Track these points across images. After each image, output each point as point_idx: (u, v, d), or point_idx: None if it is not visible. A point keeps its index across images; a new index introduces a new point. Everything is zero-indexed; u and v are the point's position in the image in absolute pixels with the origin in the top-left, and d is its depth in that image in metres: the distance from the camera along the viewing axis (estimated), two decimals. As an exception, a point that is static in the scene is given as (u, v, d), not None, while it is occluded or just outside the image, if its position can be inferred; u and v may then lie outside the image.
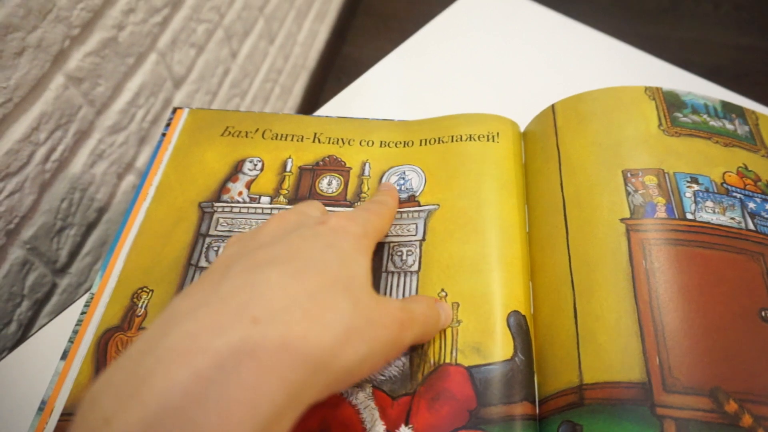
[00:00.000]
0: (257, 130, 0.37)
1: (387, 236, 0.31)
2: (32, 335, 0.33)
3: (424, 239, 0.30)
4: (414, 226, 0.31)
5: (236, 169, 0.34)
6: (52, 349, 0.30)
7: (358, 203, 0.33)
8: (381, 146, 0.35)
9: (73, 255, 0.53)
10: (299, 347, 0.18)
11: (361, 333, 0.20)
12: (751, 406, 0.21)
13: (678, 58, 0.47)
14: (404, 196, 0.33)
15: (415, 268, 0.29)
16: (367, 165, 0.35)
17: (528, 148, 0.34)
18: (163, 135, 0.37)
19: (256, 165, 0.35)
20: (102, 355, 0.28)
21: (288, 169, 0.35)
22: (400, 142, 0.36)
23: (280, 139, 0.36)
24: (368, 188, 0.33)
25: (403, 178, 0.34)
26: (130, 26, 0.58)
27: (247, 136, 0.36)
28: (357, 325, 0.20)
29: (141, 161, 0.63)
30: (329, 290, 0.20)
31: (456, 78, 0.48)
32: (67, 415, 0.26)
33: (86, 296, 0.30)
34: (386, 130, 0.36)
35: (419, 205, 0.32)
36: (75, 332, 0.29)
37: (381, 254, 0.30)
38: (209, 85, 0.79)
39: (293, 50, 1.14)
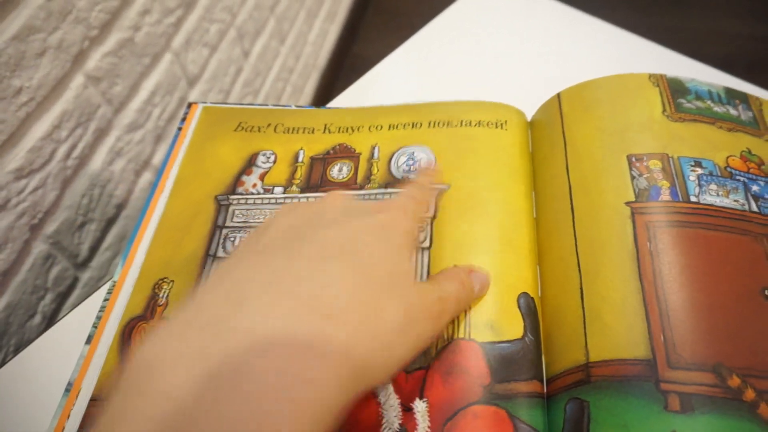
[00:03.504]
0: (269, 124, 0.38)
1: None
2: (57, 322, 0.34)
3: (435, 216, 0.31)
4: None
5: (250, 163, 0.35)
6: (75, 336, 0.31)
7: (369, 185, 0.34)
8: (389, 129, 0.36)
9: (93, 250, 0.55)
10: (356, 354, 0.18)
11: (406, 335, 0.20)
12: (754, 380, 0.22)
13: (690, 49, 0.47)
14: (413, 175, 0.33)
15: (426, 244, 0.30)
16: (376, 148, 0.35)
17: (535, 136, 0.35)
18: (179, 129, 0.38)
19: (269, 158, 0.36)
20: (127, 343, 0.29)
21: (300, 159, 0.35)
22: (408, 124, 0.36)
23: (292, 133, 0.37)
24: (377, 170, 0.34)
25: (412, 158, 0.34)
26: (145, 27, 0.59)
27: (259, 131, 0.37)
28: (403, 328, 0.20)
29: (157, 159, 0.64)
30: (383, 288, 0.20)
31: (463, 70, 0.48)
32: (95, 401, 0.27)
33: (108, 284, 0.32)
34: (394, 114, 0.37)
35: None
36: (98, 318, 0.30)
37: None
38: (222, 84, 0.80)
39: (304, 50, 1.15)
